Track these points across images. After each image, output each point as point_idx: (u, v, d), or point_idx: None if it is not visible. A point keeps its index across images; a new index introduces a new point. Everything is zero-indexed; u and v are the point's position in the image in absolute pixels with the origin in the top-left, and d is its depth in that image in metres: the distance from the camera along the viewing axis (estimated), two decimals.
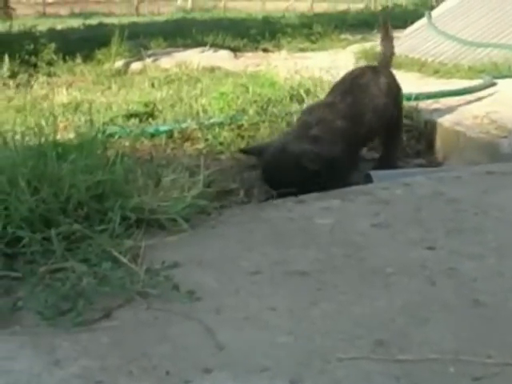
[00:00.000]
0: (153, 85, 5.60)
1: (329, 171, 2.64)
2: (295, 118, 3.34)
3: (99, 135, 2.47)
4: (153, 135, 3.68)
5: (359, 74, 3.24)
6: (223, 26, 10.19)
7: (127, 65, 7.45)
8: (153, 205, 2.08)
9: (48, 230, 1.89)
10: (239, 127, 3.69)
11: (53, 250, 1.86)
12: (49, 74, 7.10)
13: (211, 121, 3.74)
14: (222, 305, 1.61)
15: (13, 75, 7.04)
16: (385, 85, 3.15)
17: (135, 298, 1.65)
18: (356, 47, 7.51)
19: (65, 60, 7.58)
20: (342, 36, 9.23)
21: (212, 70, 6.44)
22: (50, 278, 1.77)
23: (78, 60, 7.51)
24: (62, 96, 5.30)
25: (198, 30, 9.41)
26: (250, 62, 7.10)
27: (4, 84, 6.81)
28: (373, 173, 2.74)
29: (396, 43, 6.95)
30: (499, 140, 3.18)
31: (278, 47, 8.54)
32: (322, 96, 3.80)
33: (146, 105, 4.35)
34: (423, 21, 7.27)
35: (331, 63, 5.88)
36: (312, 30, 9.31)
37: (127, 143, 3.45)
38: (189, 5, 19.85)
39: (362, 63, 6.58)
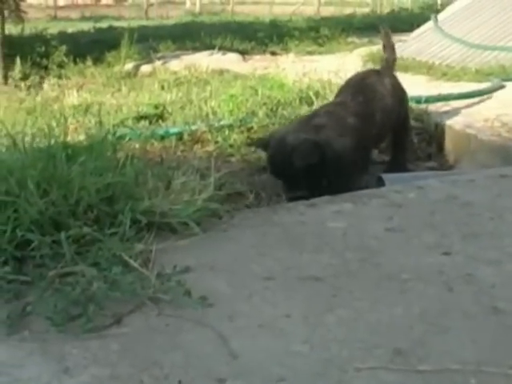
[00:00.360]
0: (162, 87, 5.55)
1: (335, 163, 2.57)
2: None
3: (109, 137, 2.41)
4: (163, 137, 3.62)
5: (365, 75, 3.22)
6: (231, 29, 10.14)
7: (137, 67, 7.42)
8: (163, 208, 2.01)
9: (57, 233, 1.83)
10: (249, 129, 3.63)
11: (62, 254, 1.79)
12: (59, 76, 7.07)
13: (221, 123, 3.67)
14: (235, 311, 1.54)
15: (24, 77, 7.03)
16: (389, 85, 3.11)
17: (146, 304, 1.59)
18: (363, 50, 7.44)
19: (75, 62, 7.56)
20: (349, 39, 9.17)
21: (221, 72, 6.39)
22: (60, 282, 1.70)
23: (89, 62, 7.49)
24: (73, 98, 5.25)
25: (206, 33, 9.38)
26: (259, 64, 7.04)
27: (15, 86, 6.80)
28: (384, 176, 2.66)
29: (403, 46, 6.97)
30: (511, 143, 3.11)
31: (286, 50, 8.48)
32: (331, 98, 3.73)
33: (155, 107, 4.30)
34: (429, 24, 7.20)
35: (339, 66, 5.80)
36: (319, 33, 9.26)
37: (137, 145, 3.39)
38: (197, 8, 19.80)
39: (370, 66, 6.53)
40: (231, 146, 3.45)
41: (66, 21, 15.78)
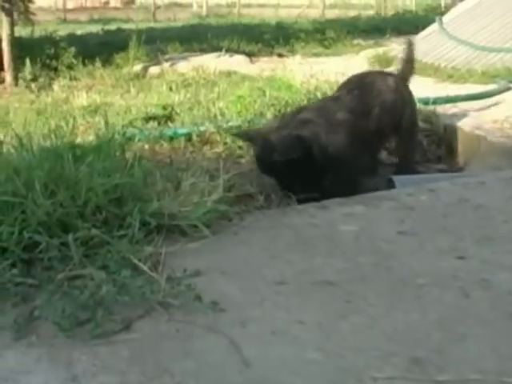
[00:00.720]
0: (170, 88, 5.49)
1: (325, 159, 2.50)
2: None
3: (117, 137, 2.34)
4: (171, 138, 3.55)
5: (368, 73, 3.17)
6: (238, 31, 10.09)
7: (145, 69, 7.37)
8: (173, 210, 1.95)
9: (65, 235, 1.77)
10: None
11: (70, 256, 1.73)
12: (69, 78, 7.03)
13: (229, 124, 3.60)
14: (246, 317, 1.48)
15: (34, 78, 6.99)
16: (393, 82, 3.00)
17: (156, 309, 1.52)
18: (369, 52, 7.37)
19: (84, 64, 7.52)
20: (355, 41, 9.10)
21: (228, 74, 6.33)
22: (68, 285, 1.64)
23: (98, 64, 7.44)
24: (82, 99, 5.20)
25: (213, 35, 9.33)
26: (265, 66, 6.97)
27: (26, 87, 6.76)
28: (395, 178, 2.59)
29: None
30: None
31: (292, 52, 8.42)
32: None
33: (164, 108, 4.24)
34: (435, 26, 7.11)
35: (345, 68, 5.74)
36: (325, 35, 9.19)
37: (146, 146, 3.33)
38: (204, 11, 19.74)
39: (376, 67, 6.47)
40: (240, 147, 3.38)
41: (75, 23, 15.76)
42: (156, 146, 3.43)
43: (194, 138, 3.55)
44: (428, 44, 6.72)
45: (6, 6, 7.31)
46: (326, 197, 2.27)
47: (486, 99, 4.02)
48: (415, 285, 1.62)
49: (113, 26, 11.75)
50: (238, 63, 7.42)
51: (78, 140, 2.62)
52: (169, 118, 4.07)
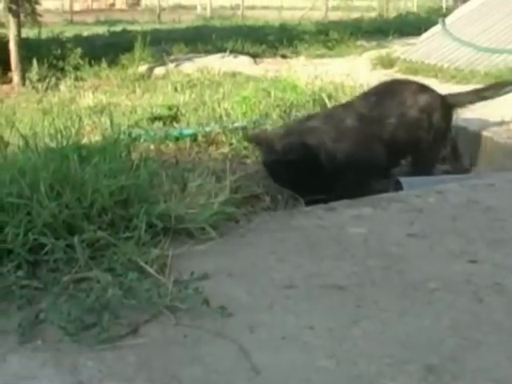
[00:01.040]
0: (176, 89, 5.44)
1: (335, 166, 2.44)
2: None
3: (123, 138, 2.29)
4: (177, 138, 3.50)
5: (399, 80, 3.02)
6: (242, 32, 10.02)
7: (150, 69, 7.32)
8: (179, 211, 1.89)
9: (71, 237, 1.72)
10: None
11: (76, 258, 1.68)
12: (75, 78, 6.99)
13: (235, 125, 3.55)
14: (255, 322, 1.42)
15: (41, 79, 6.96)
16: (425, 101, 2.81)
17: (163, 313, 1.47)
18: (372, 53, 7.30)
19: (91, 64, 7.49)
20: (358, 43, 9.02)
21: (233, 74, 6.27)
22: (74, 288, 1.59)
23: (104, 65, 7.40)
24: (88, 99, 5.16)
25: (217, 37, 9.27)
26: (270, 67, 6.91)
27: (33, 87, 6.73)
28: (402, 179, 2.53)
29: (412, 49, 6.82)
30: None
31: (296, 53, 8.35)
32: (343, 100, 3.61)
33: (169, 108, 4.19)
34: (438, 27, 7.04)
35: (349, 69, 5.69)
36: (328, 36, 9.12)
37: (152, 146, 3.27)
38: (208, 13, 19.67)
39: (379, 69, 6.41)
40: (246, 148, 3.33)
41: (82, 25, 15.70)
42: (162, 146, 3.38)
43: (200, 138, 3.50)
44: (431, 45, 6.66)
45: (13, 7, 7.27)
46: (333, 199, 2.21)
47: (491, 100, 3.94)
48: (427, 289, 1.56)
49: (118, 28, 11.69)
50: (242, 64, 7.36)
51: (84, 140, 2.56)
52: (174, 118, 4.02)
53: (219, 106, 4.12)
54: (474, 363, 1.26)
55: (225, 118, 3.79)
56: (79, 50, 7.72)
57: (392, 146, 2.69)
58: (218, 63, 7.02)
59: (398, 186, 2.49)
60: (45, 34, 9.08)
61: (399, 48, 7.41)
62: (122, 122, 3.52)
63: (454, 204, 2.16)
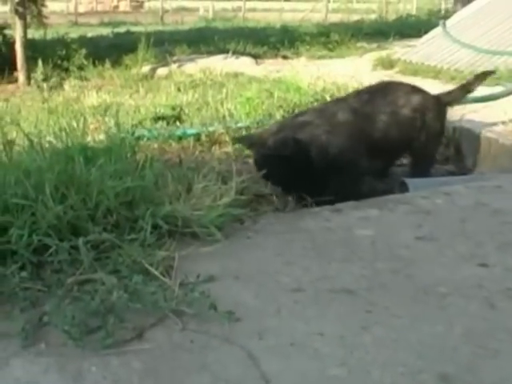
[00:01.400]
0: (179, 89, 5.38)
1: (327, 162, 2.35)
2: None
3: (128, 138, 2.22)
4: (180, 138, 3.43)
5: (391, 83, 2.94)
6: (244, 34, 9.96)
7: (154, 70, 7.26)
8: (185, 213, 1.83)
9: (76, 239, 1.65)
10: None
11: (81, 260, 1.62)
12: (80, 78, 6.95)
13: (238, 125, 3.48)
14: (264, 327, 1.36)
15: (46, 78, 6.92)
16: (417, 101, 2.73)
17: (169, 317, 1.40)
18: (372, 55, 7.23)
19: (95, 65, 7.44)
20: (359, 44, 8.94)
21: (235, 75, 6.20)
22: (78, 290, 1.53)
23: (107, 65, 7.36)
24: (92, 98, 5.10)
25: (220, 38, 9.22)
26: (271, 68, 6.85)
27: (38, 86, 6.68)
28: (408, 180, 2.46)
29: (412, 51, 6.76)
30: None
31: (297, 54, 8.28)
32: None
33: (172, 108, 4.12)
34: (438, 29, 6.97)
35: (350, 70, 5.62)
36: (329, 38, 9.05)
37: (156, 145, 3.21)
38: (210, 15, 19.60)
39: (379, 70, 6.34)
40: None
41: (86, 26, 15.64)
42: (165, 145, 3.31)
43: (203, 138, 3.43)
44: (431, 47, 6.59)
45: (20, 9, 7.22)
46: (338, 199, 2.15)
47: (494, 101, 3.88)
48: (438, 294, 1.49)
49: (122, 29, 11.63)
50: (244, 65, 7.29)
51: (89, 138, 2.50)
52: (177, 118, 3.95)
53: (222, 106, 4.05)
54: (491, 373, 1.20)
55: (228, 118, 3.72)
56: (83, 51, 7.69)
57: (383, 143, 2.61)
58: (221, 64, 6.95)
59: (404, 188, 2.42)
60: (50, 35, 9.05)
61: (399, 49, 7.33)
62: (125, 121, 3.46)
63: (461, 206, 2.10)
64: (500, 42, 6.02)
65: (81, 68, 7.42)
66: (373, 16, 15.37)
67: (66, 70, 7.39)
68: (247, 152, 3.20)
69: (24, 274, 1.57)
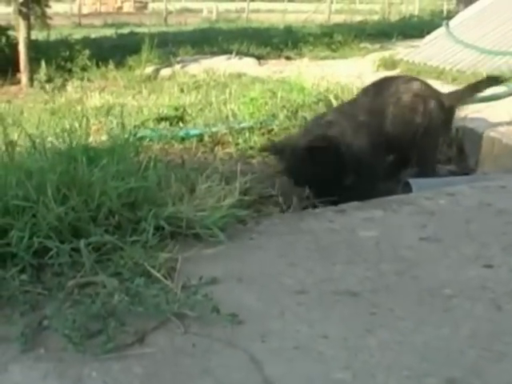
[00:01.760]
0: (182, 90, 5.36)
1: (353, 160, 2.36)
2: None
3: (131, 139, 2.20)
4: (183, 139, 3.41)
5: (394, 76, 2.94)
6: (247, 35, 9.94)
7: (157, 71, 7.24)
8: (188, 214, 1.80)
9: (77, 241, 1.63)
10: (269, 132, 3.42)
11: (82, 263, 1.59)
12: (83, 79, 6.93)
13: (242, 125, 3.46)
14: (267, 330, 1.33)
15: (49, 79, 6.91)
16: (417, 86, 2.76)
17: (171, 320, 1.38)
18: (375, 55, 7.20)
19: (98, 66, 7.42)
20: (362, 45, 8.92)
21: (238, 76, 6.18)
22: (79, 293, 1.51)
23: (111, 66, 7.34)
24: (95, 99, 5.08)
25: (223, 39, 9.20)
26: (274, 68, 6.83)
27: (41, 87, 6.67)
28: (411, 181, 2.43)
29: (415, 51, 6.72)
30: None
31: (300, 55, 8.26)
32: None
33: (175, 109, 4.10)
34: (441, 30, 6.93)
35: (353, 70, 5.60)
36: (332, 39, 9.03)
37: (158, 146, 3.19)
38: (214, 16, 19.59)
39: (382, 70, 6.31)
40: (251, 148, 3.24)
41: (90, 27, 15.63)
42: (168, 146, 3.29)
43: (206, 138, 3.41)
44: (434, 47, 6.55)
45: (24, 10, 7.21)
46: (343, 199, 2.12)
47: (496, 101, 3.84)
48: (443, 296, 1.47)
49: (126, 30, 11.62)
50: (247, 66, 7.27)
51: (91, 139, 2.48)
52: (180, 118, 3.93)
53: (225, 106, 4.04)
54: (498, 377, 1.17)
55: (231, 119, 3.70)
56: (87, 52, 7.67)
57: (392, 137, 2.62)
58: (224, 65, 6.94)
59: (407, 188, 2.39)
60: (53, 36, 9.03)
61: (402, 50, 7.30)
62: (128, 122, 3.44)
63: (465, 206, 2.07)
64: (503, 42, 5.98)
65: (84, 69, 7.40)
66: (375, 17, 15.34)
67: (69, 71, 7.38)
68: (250, 152, 3.19)
69: (24, 276, 1.55)
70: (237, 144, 3.32)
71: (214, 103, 4.23)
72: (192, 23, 16.61)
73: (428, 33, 7.28)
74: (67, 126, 2.63)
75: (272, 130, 3.42)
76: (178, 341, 1.31)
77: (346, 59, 7.66)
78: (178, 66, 7.24)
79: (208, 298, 1.43)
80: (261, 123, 3.45)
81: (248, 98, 3.97)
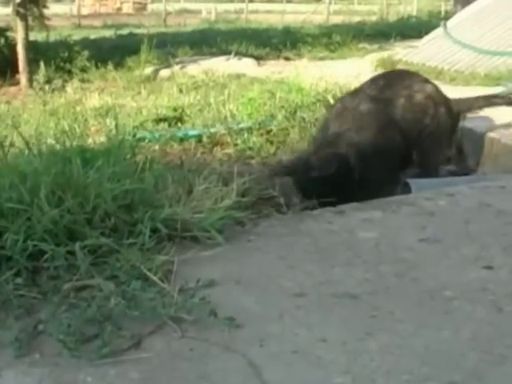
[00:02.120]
0: (181, 90, 5.33)
1: (360, 159, 2.35)
2: None
3: (128, 139, 2.17)
4: (182, 139, 3.39)
5: (404, 70, 2.92)
6: (246, 35, 9.91)
7: (156, 71, 7.21)
8: (185, 216, 1.77)
9: (72, 243, 1.60)
10: (268, 132, 3.39)
11: (77, 266, 1.56)
12: (82, 80, 6.90)
13: (240, 126, 3.43)
14: (265, 334, 1.30)
15: (48, 81, 6.87)
16: (431, 89, 2.75)
17: (168, 324, 1.35)
18: (374, 56, 7.18)
19: (97, 67, 7.39)
20: (360, 45, 8.89)
21: (237, 76, 6.15)
22: (75, 296, 1.48)
23: (110, 67, 7.31)
24: (95, 100, 5.05)
25: (222, 40, 9.16)
26: (273, 69, 6.81)
27: (40, 89, 6.62)
28: (411, 181, 2.41)
29: (413, 52, 6.70)
30: None
31: (299, 56, 8.24)
32: None
33: (174, 109, 4.08)
34: (439, 30, 6.92)
35: (352, 71, 5.58)
36: (331, 39, 8.99)
37: (157, 147, 3.16)
38: (213, 17, 19.57)
39: (381, 70, 6.28)
40: (250, 148, 3.21)
41: (89, 28, 15.60)
42: (166, 147, 3.27)
43: (205, 139, 3.39)
44: (432, 48, 6.54)
45: (21, 10, 7.17)
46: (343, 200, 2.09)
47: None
48: (443, 298, 1.44)
49: (125, 31, 11.59)
50: (246, 66, 7.24)
51: (89, 141, 2.45)
52: (179, 119, 3.91)
53: (224, 107, 4.01)
54: (499, 380, 1.14)
55: (230, 120, 3.68)
56: (86, 53, 7.64)
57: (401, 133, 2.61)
58: (223, 65, 6.91)
59: (406, 189, 2.36)
60: (53, 37, 8.99)
61: (401, 50, 7.29)
62: (127, 123, 3.42)
63: (465, 207, 2.04)
64: (500, 42, 5.97)
65: (83, 70, 7.37)
66: (374, 17, 15.32)
67: (69, 72, 7.34)
68: (249, 153, 3.16)
69: (19, 280, 1.52)
70: (235, 145, 3.29)
71: (213, 104, 4.21)
72: (191, 24, 16.57)
73: (426, 33, 7.26)
74: (66, 127, 2.61)
75: (271, 130, 3.40)
76: (175, 345, 1.29)
77: (344, 60, 7.63)
78: (177, 67, 7.21)
79: (205, 301, 1.40)
80: (259, 124, 3.43)
81: (247, 98, 3.95)
